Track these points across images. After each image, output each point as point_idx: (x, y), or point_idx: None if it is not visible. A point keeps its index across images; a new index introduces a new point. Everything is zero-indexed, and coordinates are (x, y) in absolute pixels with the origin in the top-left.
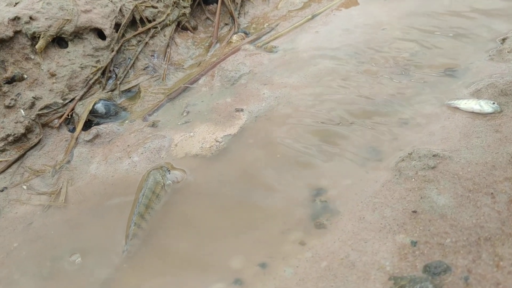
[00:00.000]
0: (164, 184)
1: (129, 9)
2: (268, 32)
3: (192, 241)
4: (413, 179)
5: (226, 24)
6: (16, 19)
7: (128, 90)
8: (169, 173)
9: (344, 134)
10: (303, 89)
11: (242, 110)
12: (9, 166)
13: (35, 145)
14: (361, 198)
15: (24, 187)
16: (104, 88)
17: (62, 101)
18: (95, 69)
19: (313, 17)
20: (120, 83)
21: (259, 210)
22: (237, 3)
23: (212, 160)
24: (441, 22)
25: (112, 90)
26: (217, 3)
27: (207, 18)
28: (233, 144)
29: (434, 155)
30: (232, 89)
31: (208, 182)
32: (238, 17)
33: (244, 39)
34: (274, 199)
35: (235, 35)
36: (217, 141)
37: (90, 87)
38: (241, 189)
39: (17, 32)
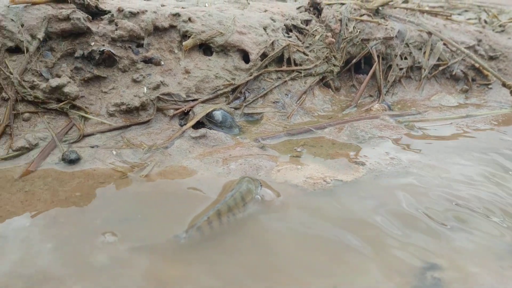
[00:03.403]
0: (254, 196)
1: (281, 45)
2: (413, 114)
3: (257, 269)
4: None
5: (370, 96)
6: (177, 15)
7: (251, 114)
8: (261, 188)
9: (484, 223)
10: (443, 170)
11: (363, 164)
12: (109, 130)
13: (143, 123)
14: None
15: (114, 152)
16: (228, 104)
17: (185, 97)
18: (227, 83)
19: (467, 116)
20: (245, 106)
21: (348, 262)
22: (388, 81)
23: (312, 196)
24: None
25: (236, 108)
26: (367, 74)
27: (353, 85)
28: (342, 190)
29: None
30: (357, 145)
31: (300, 213)
32: (385, 94)
33: (385, 110)
34: (371, 257)
35: (377, 104)
36: (324, 181)
37: (216, 97)
38: (335, 233)
39: (172, 27)
